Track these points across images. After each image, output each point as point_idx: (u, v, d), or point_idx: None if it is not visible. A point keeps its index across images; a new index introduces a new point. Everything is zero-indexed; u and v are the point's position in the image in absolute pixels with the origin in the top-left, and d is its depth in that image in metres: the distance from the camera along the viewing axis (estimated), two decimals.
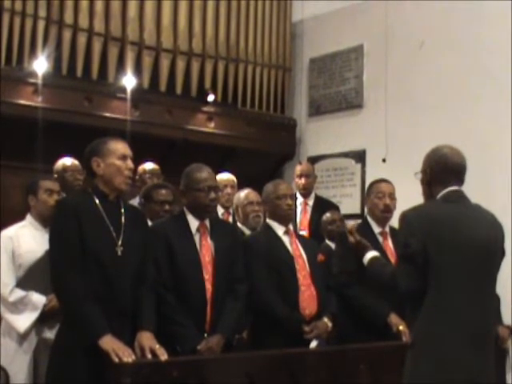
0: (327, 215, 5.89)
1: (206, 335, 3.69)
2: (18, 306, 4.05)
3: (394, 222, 4.11)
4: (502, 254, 3.17)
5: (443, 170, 3.12)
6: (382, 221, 4.53)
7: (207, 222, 3.89)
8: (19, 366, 4.03)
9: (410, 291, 3.05)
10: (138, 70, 7.06)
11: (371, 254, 3.36)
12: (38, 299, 4.05)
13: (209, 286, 3.75)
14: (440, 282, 2.96)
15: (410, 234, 3.01)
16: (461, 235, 2.99)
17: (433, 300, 2.98)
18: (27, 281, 4.09)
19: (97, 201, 3.38)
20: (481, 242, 3.02)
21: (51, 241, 3.38)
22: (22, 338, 4.06)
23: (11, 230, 4.23)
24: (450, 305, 2.96)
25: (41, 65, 6.36)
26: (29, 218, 4.29)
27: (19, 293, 4.06)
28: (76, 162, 5.40)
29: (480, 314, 3.00)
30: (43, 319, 4.06)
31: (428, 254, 2.95)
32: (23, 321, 4.04)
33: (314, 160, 7.76)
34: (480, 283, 3.02)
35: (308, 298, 4.18)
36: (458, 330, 2.94)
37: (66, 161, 5.52)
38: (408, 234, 3.03)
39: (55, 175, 5.40)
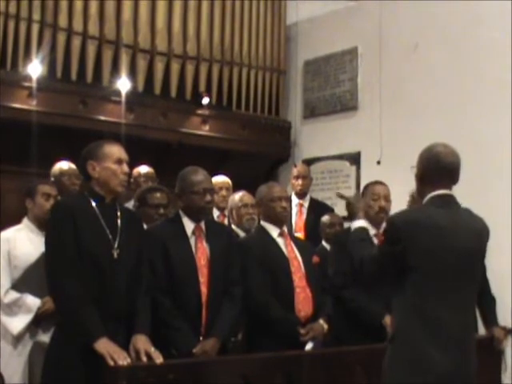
0: (326, 218, 5.87)
1: (201, 338, 3.69)
2: (12, 308, 4.06)
3: None
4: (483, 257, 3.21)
5: (435, 168, 3.11)
6: (377, 222, 4.53)
7: (203, 225, 3.90)
8: (14, 368, 4.03)
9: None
10: (132, 73, 7.06)
11: (359, 224, 3.43)
12: (33, 302, 4.06)
13: (204, 289, 3.75)
14: (420, 286, 2.99)
15: (396, 239, 3.02)
16: (445, 242, 2.99)
17: (412, 302, 3.00)
18: (23, 283, 4.10)
19: (93, 203, 3.38)
20: (465, 250, 3.03)
21: (47, 242, 3.37)
22: (17, 340, 4.06)
23: (8, 233, 4.25)
24: (427, 308, 2.98)
25: (35, 68, 6.35)
26: (25, 221, 4.30)
27: (14, 294, 4.07)
28: (73, 166, 5.39)
29: (459, 318, 3.02)
30: (37, 322, 4.06)
31: (411, 259, 2.97)
32: (17, 323, 4.05)
33: (308, 162, 7.76)
34: (461, 289, 3.04)
35: (303, 300, 4.18)
36: (433, 333, 2.96)
37: (63, 165, 5.51)
38: (393, 238, 3.04)
39: (52, 179, 5.39)
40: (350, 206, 3.53)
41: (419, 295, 2.99)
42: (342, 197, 3.67)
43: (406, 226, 3.00)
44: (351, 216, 3.53)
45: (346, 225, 5.91)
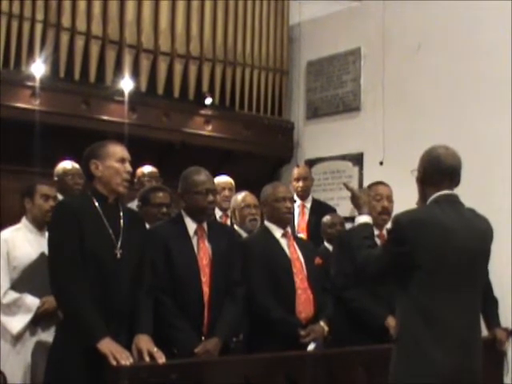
0: (328, 218, 5.88)
1: (203, 338, 3.70)
2: (11, 308, 4.07)
3: None
4: (488, 257, 3.20)
5: (436, 171, 3.11)
6: (380, 223, 4.53)
7: (205, 225, 3.90)
8: (14, 367, 4.04)
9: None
10: (135, 73, 7.06)
11: (363, 219, 3.42)
12: (32, 301, 4.07)
13: (206, 289, 3.75)
14: (425, 285, 2.99)
15: (401, 239, 3.02)
16: (450, 242, 2.99)
17: (416, 301, 3.00)
18: (21, 283, 4.11)
19: (96, 203, 3.38)
20: (469, 250, 3.03)
21: (50, 242, 3.38)
22: (16, 339, 4.07)
23: (6, 233, 4.24)
24: (431, 308, 2.98)
25: (38, 68, 6.35)
26: (24, 221, 4.31)
27: (13, 295, 4.08)
28: (76, 166, 5.38)
29: (463, 318, 3.01)
30: (37, 321, 4.07)
31: (416, 258, 2.97)
32: (16, 323, 4.06)
33: (311, 163, 7.77)
34: (465, 289, 3.04)
35: (304, 301, 4.18)
36: (436, 333, 2.96)
37: (67, 164, 5.51)
38: (399, 238, 3.04)
39: (55, 178, 5.40)
40: (354, 198, 3.52)
41: (423, 295, 2.98)
42: (347, 187, 3.66)
43: (411, 226, 3.00)
44: (356, 208, 3.54)
45: (347, 225, 5.94)
